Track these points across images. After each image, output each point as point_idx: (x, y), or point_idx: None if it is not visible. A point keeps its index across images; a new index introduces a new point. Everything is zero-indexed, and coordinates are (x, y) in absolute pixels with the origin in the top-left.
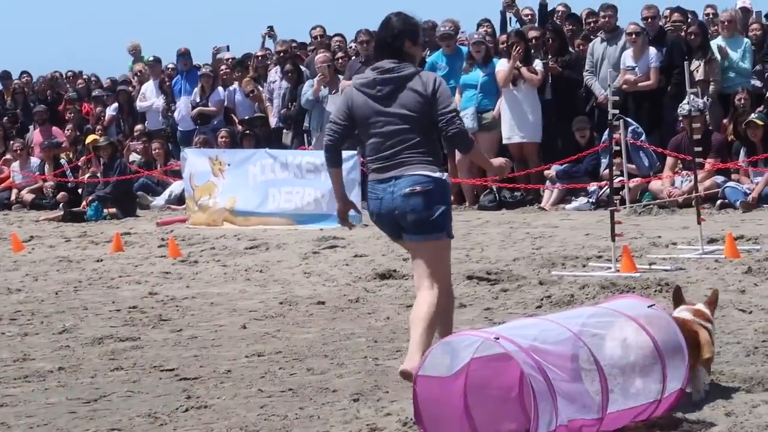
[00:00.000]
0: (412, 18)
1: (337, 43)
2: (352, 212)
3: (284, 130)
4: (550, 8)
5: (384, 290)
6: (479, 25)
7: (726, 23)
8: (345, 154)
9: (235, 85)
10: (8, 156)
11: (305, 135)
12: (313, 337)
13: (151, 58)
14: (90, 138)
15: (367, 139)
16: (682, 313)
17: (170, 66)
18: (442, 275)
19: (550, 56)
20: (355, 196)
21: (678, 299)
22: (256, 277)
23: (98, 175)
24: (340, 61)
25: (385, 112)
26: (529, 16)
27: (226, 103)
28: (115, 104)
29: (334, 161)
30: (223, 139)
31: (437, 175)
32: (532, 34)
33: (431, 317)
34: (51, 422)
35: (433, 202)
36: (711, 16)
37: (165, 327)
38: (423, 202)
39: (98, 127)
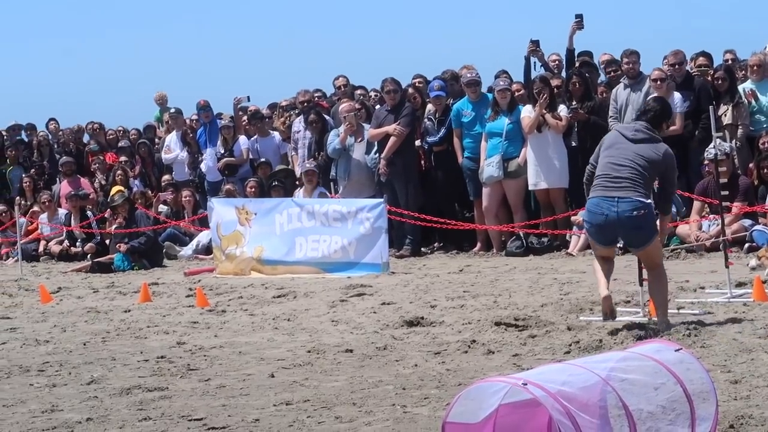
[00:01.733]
0: (669, 106)
1: (360, 96)
2: (380, 260)
3: None
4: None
5: (412, 337)
6: (497, 76)
7: (755, 67)
8: (373, 202)
9: (256, 135)
10: (36, 208)
11: (332, 184)
12: (341, 385)
13: (173, 110)
14: (115, 189)
15: (601, 161)
16: None
17: (194, 117)
18: (659, 259)
19: (574, 102)
20: (382, 242)
21: None
22: (284, 325)
23: (122, 226)
24: (357, 113)
25: (628, 148)
26: (556, 62)
27: (250, 152)
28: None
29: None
30: (252, 189)
31: (648, 201)
32: (555, 82)
33: (664, 285)
34: None
35: (647, 222)
36: (730, 61)
37: (193, 376)
38: (640, 223)
39: (119, 176)
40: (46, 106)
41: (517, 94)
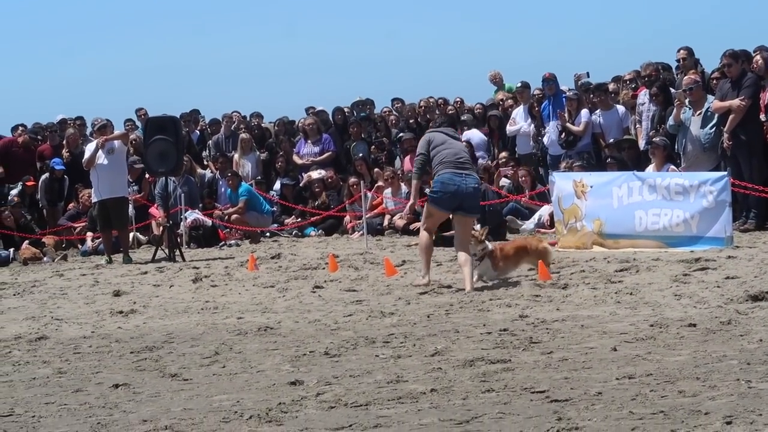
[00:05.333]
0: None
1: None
2: (723, 234)
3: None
4: None
5: (756, 312)
6: None
7: None
8: (716, 175)
9: (599, 111)
10: (380, 183)
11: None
12: (685, 359)
13: (519, 84)
14: None
15: (443, 151)
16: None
17: (536, 92)
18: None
19: None
20: (725, 216)
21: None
22: (627, 299)
23: None
24: (695, 86)
25: (457, 144)
26: None
27: (591, 125)
28: (486, 129)
29: (418, 177)
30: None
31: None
32: None
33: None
34: None
35: (479, 195)
36: None
37: (535, 349)
38: (479, 194)
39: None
40: (381, 83)
41: None
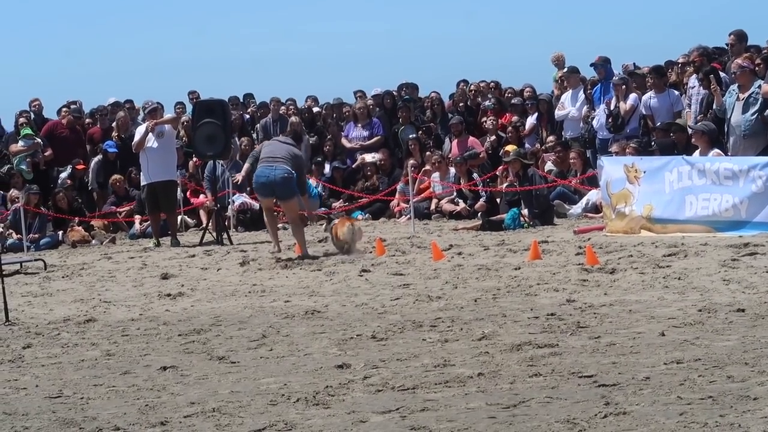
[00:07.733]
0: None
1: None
2: None
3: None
4: None
5: None
6: None
7: None
8: (765, 159)
9: (650, 92)
10: (428, 167)
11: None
12: (733, 344)
13: (567, 69)
14: (506, 147)
15: (263, 151)
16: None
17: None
18: (296, 213)
19: None
20: None
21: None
22: (675, 284)
23: (515, 184)
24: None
25: (281, 146)
26: None
27: (635, 109)
28: (536, 113)
29: (249, 163)
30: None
31: (293, 173)
32: None
33: (302, 229)
34: (471, 426)
35: (290, 184)
36: None
37: (583, 334)
38: (287, 183)
39: (510, 134)
40: (446, 66)
41: None
